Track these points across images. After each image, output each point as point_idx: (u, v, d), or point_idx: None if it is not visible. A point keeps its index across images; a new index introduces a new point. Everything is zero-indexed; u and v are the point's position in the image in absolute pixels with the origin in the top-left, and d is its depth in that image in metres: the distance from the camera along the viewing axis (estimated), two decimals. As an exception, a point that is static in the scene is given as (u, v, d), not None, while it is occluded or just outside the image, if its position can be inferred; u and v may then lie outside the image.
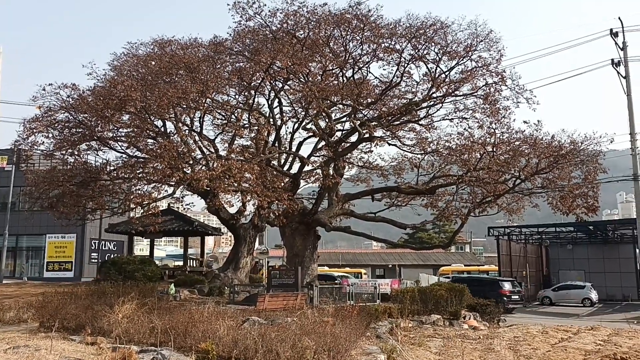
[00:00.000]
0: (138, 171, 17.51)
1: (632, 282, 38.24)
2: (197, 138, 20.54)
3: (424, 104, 18.97)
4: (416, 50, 17.26)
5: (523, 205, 19.95)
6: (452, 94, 18.49)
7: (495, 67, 17.56)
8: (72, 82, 18.07)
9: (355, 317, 12.66)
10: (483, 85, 17.95)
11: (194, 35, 30.89)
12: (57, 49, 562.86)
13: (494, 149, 17.73)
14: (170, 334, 9.63)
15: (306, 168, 20.77)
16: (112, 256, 33.18)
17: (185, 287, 20.75)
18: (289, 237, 21.02)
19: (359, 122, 18.70)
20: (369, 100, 18.98)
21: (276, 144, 20.96)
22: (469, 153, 18.60)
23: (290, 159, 21.99)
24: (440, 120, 20.11)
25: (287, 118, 20.46)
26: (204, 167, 17.51)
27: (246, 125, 20.82)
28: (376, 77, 19.46)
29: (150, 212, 17.30)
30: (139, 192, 17.50)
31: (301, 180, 21.04)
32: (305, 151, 24.08)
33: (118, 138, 19.23)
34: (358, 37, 17.42)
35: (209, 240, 67.68)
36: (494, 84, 17.75)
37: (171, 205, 24.48)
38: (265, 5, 19.58)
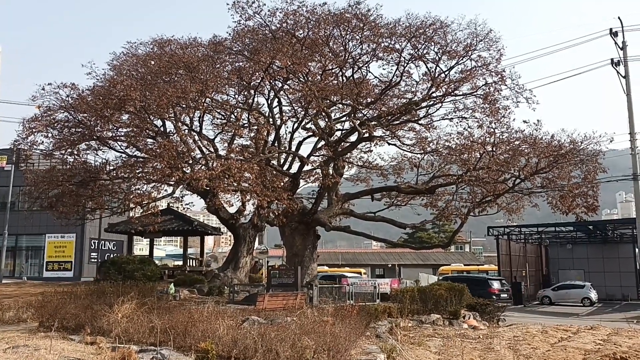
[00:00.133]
0: (137, 171, 17.50)
1: (632, 281, 38.27)
2: (196, 137, 20.53)
3: (424, 104, 18.98)
4: (416, 50, 17.26)
5: (523, 204, 19.94)
6: (452, 94, 18.49)
7: (494, 67, 17.58)
8: (72, 82, 18.04)
9: (355, 316, 12.65)
10: (483, 85, 17.96)
11: (194, 34, 30.92)
12: (57, 49, 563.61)
13: (494, 149, 17.73)
14: (170, 334, 9.62)
15: (306, 168, 20.77)
16: (111, 256, 33.16)
17: (184, 286, 20.73)
18: (288, 236, 21.01)
19: (359, 121, 18.69)
20: (369, 99, 18.97)
21: (276, 144, 20.94)
22: (469, 153, 18.60)
23: (289, 158, 21.97)
24: (439, 119, 20.13)
25: (287, 117, 20.45)
26: (203, 167, 17.48)
27: (246, 125, 20.80)
28: (376, 77, 19.48)
29: (149, 212, 17.31)
30: (139, 191, 17.47)
31: (301, 180, 21.03)
32: (304, 151, 24.11)
33: (117, 138, 19.21)
34: (357, 37, 17.42)
35: (209, 240, 67.61)
36: (493, 84, 17.76)
37: (171, 204, 24.49)
38: (265, 4, 19.59)
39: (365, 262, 59.37)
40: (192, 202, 26.17)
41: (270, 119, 20.17)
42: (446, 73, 17.83)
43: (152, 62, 19.13)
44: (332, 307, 14.60)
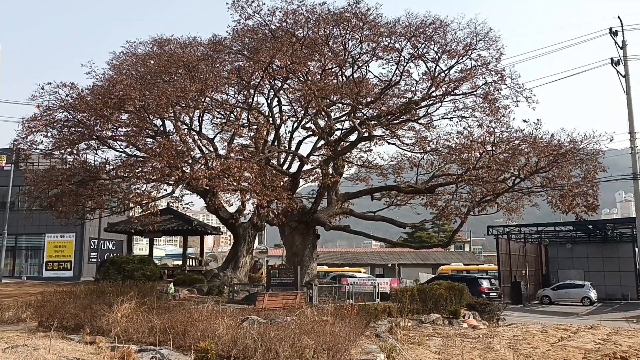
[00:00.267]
0: (137, 170, 17.48)
1: (632, 281, 38.23)
2: (196, 137, 20.52)
3: (424, 103, 18.98)
4: (415, 49, 17.25)
5: (522, 204, 19.95)
6: (452, 93, 18.49)
7: (494, 66, 17.59)
8: (71, 82, 18.05)
9: (355, 316, 12.63)
10: (482, 84, 17.97)
11: (193, 34, 30.88)
12: (57, 49, 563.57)
13: (494, 148, 17.73)
14: (170, 333, 9.61)
15: (305, 167, 20.78)
16: (111, 255, 33.11)
17: (184, 286, 20.72)
18: (288, 236, 21.01)
19: (359, 121, 18.68)
20: (369, 99, 18.96)
21: (275, 143, 20.93)
22: (469, 152, 18.61)
23: (289, 158, 21.97)
24: (439, 119, 20.15)
25: (287, 117, 20.45)
26: (203, 166, 17.48)
27: (245, 124, 20.79)
28: (375, 76, 19.50)
29: (149, 212, 17.31)
30: (138, 191, 17.46)
31: (300, 179, 21.03)
32: (304, 150, 24.11)
33: (117, 137, 19.19)
34: (357, 36, 17.41)
35: (208, 240, 67.60)
36: (493, 83, 17.77)
37: (170, 204, 24.46)
38: (265, 4, 19.57)
39: (365, 262, 59.28)
40: (191, 202, 26.18)
41: (270, 119, 20.16)
42: (446, 72, 17.84)
43: (152, 62, 19.12)
44: (332, 306, 14.60)
